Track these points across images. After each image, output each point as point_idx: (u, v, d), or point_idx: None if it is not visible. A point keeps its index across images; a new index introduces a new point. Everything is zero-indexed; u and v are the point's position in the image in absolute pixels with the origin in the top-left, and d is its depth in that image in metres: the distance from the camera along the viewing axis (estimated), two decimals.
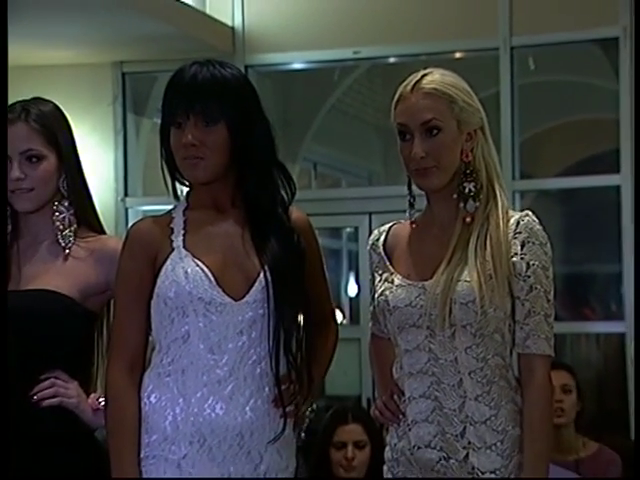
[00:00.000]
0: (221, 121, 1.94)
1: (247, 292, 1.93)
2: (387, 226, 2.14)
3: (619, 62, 4.60)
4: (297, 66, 5.27)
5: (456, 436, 1.96)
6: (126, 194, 5.29)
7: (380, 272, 2.08)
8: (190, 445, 1.90)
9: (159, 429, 1.92)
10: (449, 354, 1.98)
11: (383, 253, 2.09)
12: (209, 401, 1.90)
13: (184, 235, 1.97)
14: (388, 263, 2.07)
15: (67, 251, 2.12)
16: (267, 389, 1.92)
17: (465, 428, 1.96)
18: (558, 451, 3.64)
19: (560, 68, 5.29)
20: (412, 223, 2.09)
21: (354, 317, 5.80)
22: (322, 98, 5.87)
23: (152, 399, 1.93)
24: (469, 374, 1.97)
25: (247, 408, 1.91)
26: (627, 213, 4.50)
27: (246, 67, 5.01)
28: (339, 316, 6.01)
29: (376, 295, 2.07)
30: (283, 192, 2.02)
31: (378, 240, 2.11)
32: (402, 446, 2.01)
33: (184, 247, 1.96)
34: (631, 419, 4.42)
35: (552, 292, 2.00)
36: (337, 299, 6.07)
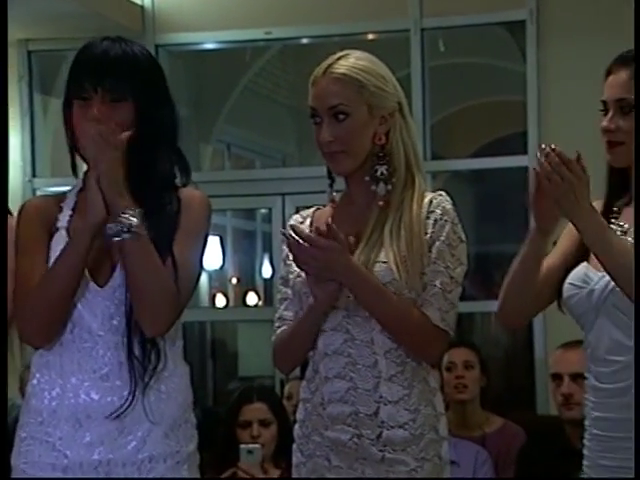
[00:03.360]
0: (129, 98, 1.92)
1: (110, 277, 1.92)
2: (310, 211, 2.14)
3: (526, 45, 4.68)
4: (208, 46, 5.22)
5: (370, 415, 1.98)
6: (34, 175, 5.18)
7: None
8: (65, 430, 1.90)
9: (37, 411, 1.93)
10: (366, 334, 2.00)
11: None
12: (84, 386, 1.91)
13: (70, 217, 1.96)
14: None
15: None
16: (145, 372, 1.91)
17: (379, 408, 1.98)
18: (464, 426, 3.73)
19: (469, 50, 5.37)
20: (331, 201, 2.10)
21: (268, 298, 5.81)
22: (234, 79, 5.84)
23: (34, 381, 1.95)
24: (384, 354, 1.99)
25: (125, 392, 1.90)
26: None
27: (156, 47, 4.94)
28: (254, 298, 6.01)
29: (291, 276, 2.07)
30: (178, 175, 1.99)
31: (302, 223, 2.10)
32: (314, 423, 2.03)
33: (66, 229, 1.94)
34: (537, 394, 4.54)
35: (458, 271, 2.02)
36: (252, 281, 6.07)
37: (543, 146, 1.94)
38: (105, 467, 1.90)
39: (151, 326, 1.89)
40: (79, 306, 1.92)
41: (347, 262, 1.95)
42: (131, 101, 1.92)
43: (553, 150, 1.92)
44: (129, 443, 1.90)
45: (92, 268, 1.93)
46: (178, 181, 2.01)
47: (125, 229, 1.84)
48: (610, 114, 2.03)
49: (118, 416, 1.89)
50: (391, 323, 1.98)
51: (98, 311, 1.92)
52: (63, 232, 1.95)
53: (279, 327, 2.11)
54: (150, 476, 1.91)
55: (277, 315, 2.12)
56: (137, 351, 1.91)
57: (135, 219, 1.85)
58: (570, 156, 1.94)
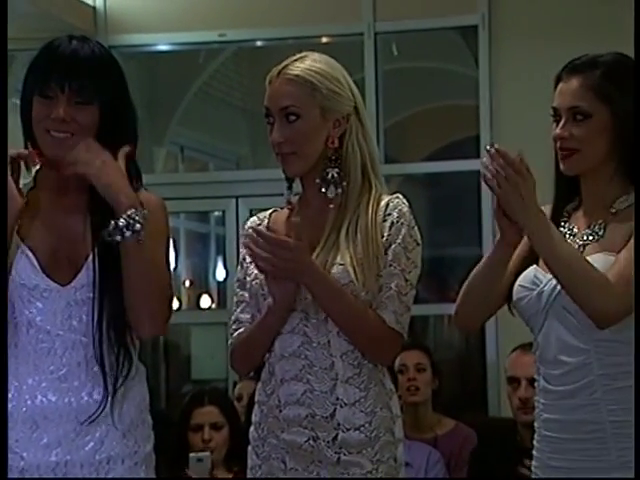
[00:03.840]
0: (95, 101, 1.91)
1: (74, 277, 1.91)
2: (267, 213, 2.14)
3: (478, 49, 4.73)
4: (162, 48, 5.19)
5: (326, 418, 1.99)
6: None
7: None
8: (22, 432, 1.89)
9: None
10: (322, 337, 2.00)
11: None
12: (41, 387, 1.89)
13: (20, 219, 1.94)
14: None
15: None
16: (117, 377, 1.91)
17: (335, 410, 1.99)
18: (416, 428, 3.76)
19: (423, 54, 5.39)
20: (288, 203, 2.10)
21: (221, 301, 5.78)
22: (188, 81, 5.81)
23: None
24: (341, 356, 2.00)
25: (83, 393, 1.90)
26: (486, 198, 4.63)
27: (109, 48, 4.89)
28: (207, 300, 5.98)
29: (248, 279, 2.07)
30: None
31: (259, 225, 2.10)
32: (270, 426, 2.02)
33: (17, 232, 1.93)
34: (489, 397, 4.57)
35: (413, 274, 2.03)
36: (205, 283, 6.03)
37: (488, 147, 1.95)
38: (63, 468, 1.89)
39: (151, 325, 1.90)
40: (38, 305, 1.90)
41: (310, 262, 1.95)
42: (96, 104, 1.91)
43: (497, 151, 1.93)
44: (87, 444, 1.89)
45: (52, 267, 1.91)
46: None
47: (128, 228, 1.83)
48: (563, 121, 2.05)
49: (93, 421, 1.88)
50: (348, 324, 1.99)
51: (58, 310, 1.91)
52: (15, 235, 1.92)
53: (236, 330, 2.10)
54: (108, 477, 1.90)
55: (233, 318, 2.12)
56: (106, 354, 1.90)
57: (138, 218, 1.84)
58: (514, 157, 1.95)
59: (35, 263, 1.91)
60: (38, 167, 1.97)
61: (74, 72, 1.90)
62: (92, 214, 1.93)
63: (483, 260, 2.09)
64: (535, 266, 2.07)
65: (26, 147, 1.97)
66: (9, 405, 1.90)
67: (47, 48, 1.94)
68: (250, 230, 1.99)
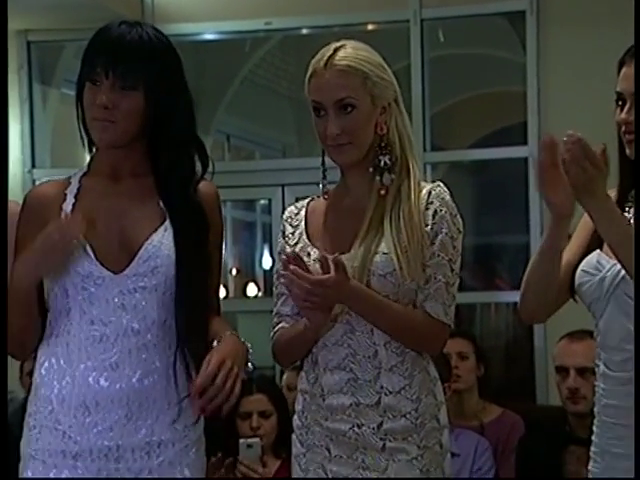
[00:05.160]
0: (140, 87, 1.91)
1: (128, 265, 1.92)
2: (305, 202, 2.14)
3: (526, 35, 4.68)
4: (208, 37, 5.21)
5: (371, 406, 1.99)
6: (33, 165, 5.17)
7: (293, 244, 2.08)
8: (75, 418, 1.91)
9: (47, 400, 1.94)
10: (366, 326, 2.00)
11: (304, 227, 2.09)
12: (94, 373, 1.92)
13: (74, 205, 1.96)
14: (306, 237, 2.07)
15: None
16: (155, 360, 1.93)
17: (380, 398, 1.99)
18: (461, 416, 3.73)
19: (469, 41, 5.35)
20: (325, 194, 2.10)
21: (268, 289, 5.81)
22: (234, 69, 5.83)
23: (42, 370, 1.95)
24: (384, 345, 2.00)
25: (134, 380, 1.92)
26: (534, 184, 4.59)
27: None
28: (254, 289, 6.01)
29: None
30: (197, 166, 2.00)
31: (298, 214, 2.11)
32: (313, 414, 2.03)
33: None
34: (536, 384, 4.55)
35: (458, 263, 2.02)
36: (251, 272, 6.06)
37: (570, 132, 1.91)
38: (115, 453, 1.92)
39: None
40: (91, 290, 1.92)
41: (349, 289, 1.95)
42: (142, 90, 1.91)
43: (579, 140, 1.90)
44: (138, 429, 1.92)
45: (105, 254, 1.93)
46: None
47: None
48: (628, 105, 2.01)
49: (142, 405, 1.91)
50: (396, 331, 1.99)
51: (110, 297, 1.92)
52: None
53: (278, 323, 2.11)
54: (159, 460, 1.93)
55: (275, 310, 2.13)
56: (158, 341, 1.93)
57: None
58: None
59: (89, 250, 1.92)
60: (94, 151, 1.99)
61: (118, 57, 1.89)
62: (160, 199, 1.95)
63: (539, 245, 2.06)
64: (598, 251, 2.05)
65: (81, 136, 1.99)
66: (63, 391, 1.93)
67: (97, 33, 1.95)
68: (288, 272, 1.96)
